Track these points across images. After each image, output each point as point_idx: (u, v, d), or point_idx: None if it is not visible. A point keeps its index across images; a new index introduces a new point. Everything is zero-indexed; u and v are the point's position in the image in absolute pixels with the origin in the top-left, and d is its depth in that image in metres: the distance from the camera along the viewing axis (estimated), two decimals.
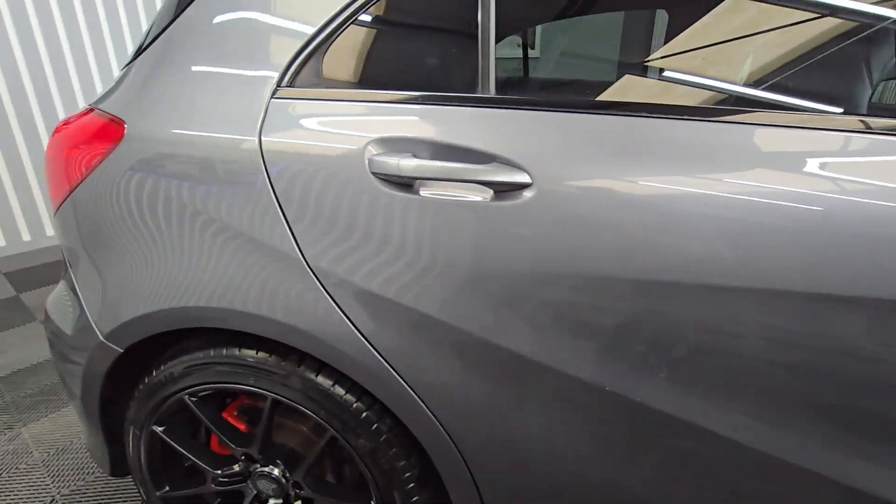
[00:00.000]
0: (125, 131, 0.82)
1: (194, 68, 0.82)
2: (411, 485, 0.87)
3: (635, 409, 0.68)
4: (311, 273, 0.75)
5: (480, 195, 0.67)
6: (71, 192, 0.87)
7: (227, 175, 0.77)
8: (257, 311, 0.78)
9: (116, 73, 3.30)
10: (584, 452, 0.74)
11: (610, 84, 0.78)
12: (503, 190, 0.66)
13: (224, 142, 0.77)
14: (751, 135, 0.60)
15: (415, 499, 0.88)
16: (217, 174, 0.77)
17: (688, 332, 0.62)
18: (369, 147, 0.70)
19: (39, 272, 2.73)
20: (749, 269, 0.58)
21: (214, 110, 0.79)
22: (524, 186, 0.64)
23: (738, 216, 0.58)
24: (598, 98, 0.74)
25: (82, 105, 3.02)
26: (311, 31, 0.75)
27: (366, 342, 0.75)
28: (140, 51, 0.91)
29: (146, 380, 0.91)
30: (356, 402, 0.83)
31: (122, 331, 0.85)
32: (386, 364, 0.76)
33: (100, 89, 3.05)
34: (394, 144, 0.71)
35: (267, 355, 0.84)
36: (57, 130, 0.92)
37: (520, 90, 0.73)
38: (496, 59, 0.70)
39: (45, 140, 2.91)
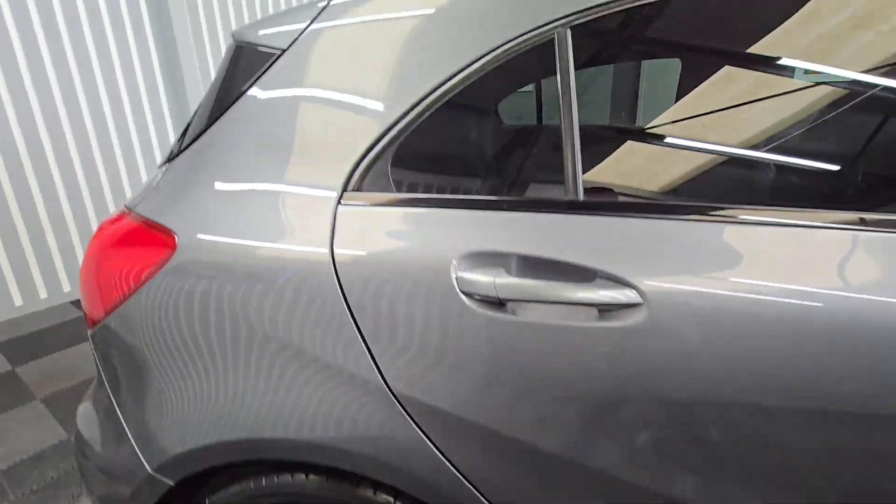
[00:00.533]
0: (176, 242, 0.76)
1: (247, 173, 0.77)
2: None
3: None
4: (395, 399, 0.68)
5: (584, 314, 0.62)
6: (115, 306, 0.80)
7: (295, 292, 0.71)
8: (338, 444, 0.70)
9: (140, 156, 3.27)
10: None
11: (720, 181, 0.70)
12: (609, 309, 0.61)
13: (290, 254, 0.71)
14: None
15: None
16: (284, 291, 0.71)
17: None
18: (456, 262, 0.65)
19: (34, 341, 2.59)
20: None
21: (277, 220, 0.73)
22: (634, 305, 0.59)
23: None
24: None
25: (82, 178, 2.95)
26: (378, 130, 0.71)
27: (458, 474, 0.68)
28: (179, 151, 0.85)
29: None
30: None
31: (175, 463, 0.77)
32: (478, 495, 0.69)
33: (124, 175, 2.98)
34: (482, 259, 0.65)
35: (333, 481, 0.76)
36: (97, 236, 0.85)
37: (612, 193, 0.69)
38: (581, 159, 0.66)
39: (39, 201, 2.80)
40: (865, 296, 0.52)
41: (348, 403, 0.70)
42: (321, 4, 0.80)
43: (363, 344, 0.68)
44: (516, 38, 0.66)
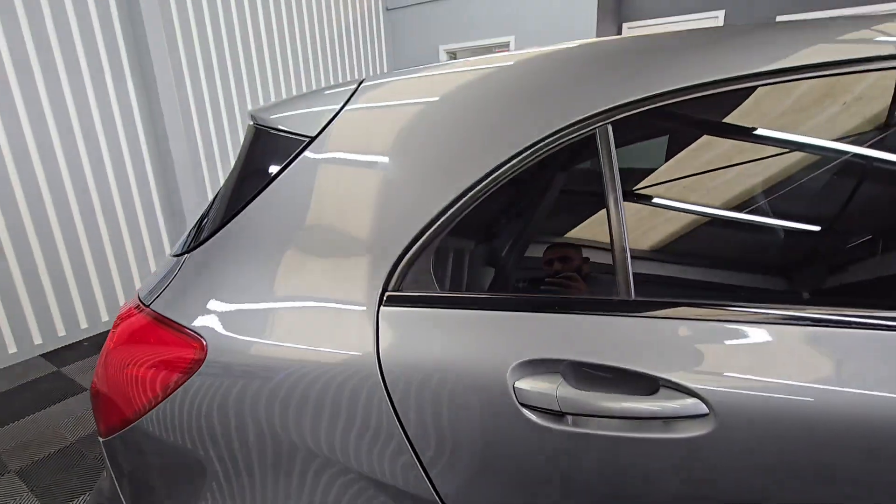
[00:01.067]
0: (206, 349, 0.72)
1: (278, 270, 0.73)
2: None
3: None
4: None
5: (648, 424, 0.61)
6: (138, 416, 0.75)
7: (334, 400, 0.67)
8: None
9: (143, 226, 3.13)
10: None
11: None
12: (675, 420, 0.60)
13: (333, 359, 0.68)
14: None
15: None
16: (324, 401, 0.67)
17: None
18: (511, 370, 0.63)
19: (2, 403, 2.42)
20: None
21: (315, 322, 0.70)
22: (700, 415, 0.58)
23: None
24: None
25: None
26: (419, 225, 0.68)
27: None
28: (199, 241, 0.81)
29: None
30: None
31: None
32: None
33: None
34: (539, 366, 0.63)
35: None
36: (116, 336, 0.79)
37: (663, 290, 0.69)
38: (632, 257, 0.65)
39: (60, 241, 2.66)
40: None
41: None
42: (349, 87, 0.78)
43: (413, 454, 0.65)
44: (560, 131, 0.65)
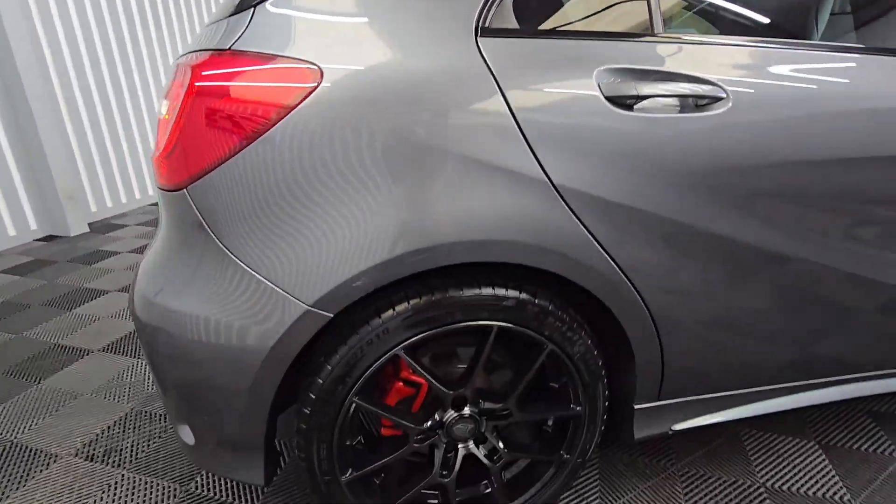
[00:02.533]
0: (322, 73, 0.74)
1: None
2: (605, 379, 0.99)
3: (803, 269, 0.94)
4: (556, 192, 0.81)
5: (689, 108, 0.83)
6: (247, 142, 0.75)
7: (457, 102, 0.77)
8: (507, 237, 0.79)
9: None
10: (765, 314, 0.97)
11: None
12: (704, 104, 0.82)
13: (449, 76, 0.77)
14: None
15: (606, 392, 1.00)
16: (448, 102, 0.77)
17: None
18: (599, 73, 0.80)
19: None
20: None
21: (425, 36, 0.77)
22: (720, 98, 0.82)
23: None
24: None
25: None
26: None
27: (601, 249, 0.84)
28: None
29: (346, 346, 0.83)
30: (571, 314, 0.91)
31: (339, 292, 0.77)
32: (615, 266, 0.85)
33: None
34: (616, 73, 0.81)
35: (497, 288, 0.85)
36: (206, 76, 0.76)
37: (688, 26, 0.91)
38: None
39: None
40: None
41: (516, 201, 0.79)
42: None
43: (527, 145, 0.79)
44: None
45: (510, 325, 0.87)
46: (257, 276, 0.78)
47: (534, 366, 0.92)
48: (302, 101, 0.74)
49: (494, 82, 0.77)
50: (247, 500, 1.20)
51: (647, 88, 0.80)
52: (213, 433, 0.90)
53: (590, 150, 0.80)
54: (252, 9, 0.79)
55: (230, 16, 0.81)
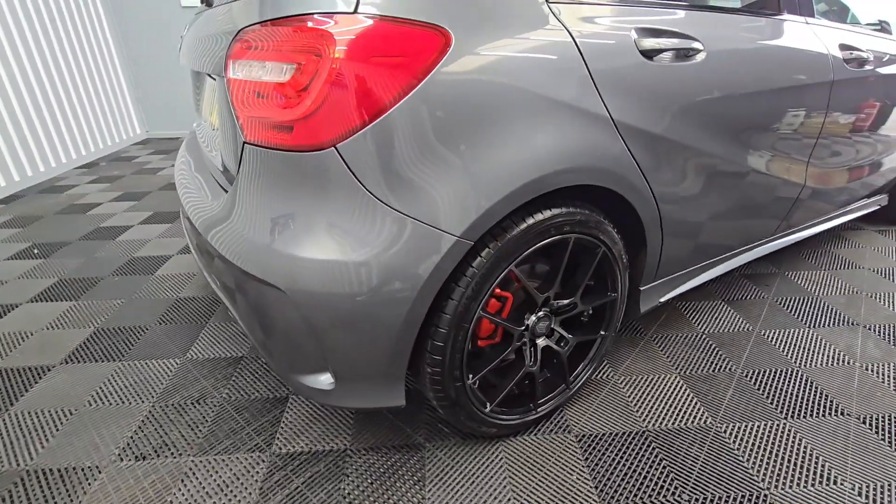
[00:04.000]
0: (452, 39, 0.86)
1: None
2: (629, 269, 1.34)
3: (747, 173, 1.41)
4: (615, 127, 1.07)
5: (685, 59, 1.16)
6: (396, 101, 0.86)
7: (552, 63, 0.98)
8: (591, 164, 1.06)
9: None
10: (721, 203, 1.42)
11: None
12: (691, 55, 1.16)
13: (538, 44, 0.97)
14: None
15: (627, 275, 1.35)
16: (544, 67, 0.97)
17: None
18: (634, 32, 1.08)
19: None
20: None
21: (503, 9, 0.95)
22: (699, 50, 1.17)
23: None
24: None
25: None
26: None
27: (638, 168, 1.14)
28: None
29: (473, 269, 1.00)
30: (609, 223, 1.21)
31: (479, 222, 0.93)
32: (644, 179, 1.17)
33: None
34: (644, 32, 1.10)
35: (570, 207, 1.11)
36: (353, 43, 0.83)
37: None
38: None
39: None
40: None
41: (595, 136, 1.05)
42: None
43: (598, 93, 1.03)
44: None
45: (582, 235, 1.13)
46: (409, 218, 0.90)
47: (592, 265, 1.21)
48: (438, 62, 0.86)
49: (572, 39, 0.99)
50: (339, 443, 1.30)
51: (661, 43, 1.11)
52: (358, 371, 1.00)
53: (632, 91, 1.08)
54: None
55: None
